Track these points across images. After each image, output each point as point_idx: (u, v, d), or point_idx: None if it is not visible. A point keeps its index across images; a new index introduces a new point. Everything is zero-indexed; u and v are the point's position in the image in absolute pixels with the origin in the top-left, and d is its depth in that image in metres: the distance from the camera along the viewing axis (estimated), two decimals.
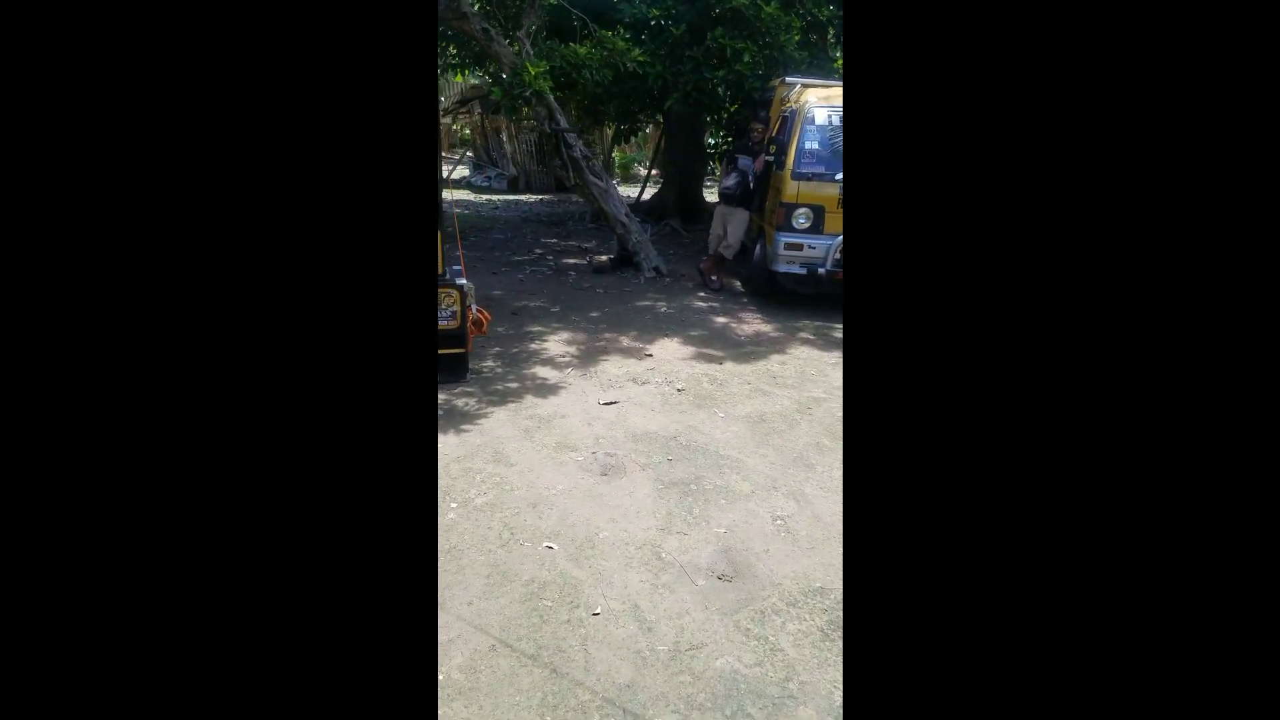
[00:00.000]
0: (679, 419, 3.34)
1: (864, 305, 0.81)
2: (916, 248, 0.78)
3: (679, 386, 3.76)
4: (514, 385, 3.68)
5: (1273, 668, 0.66)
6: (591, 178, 6.29)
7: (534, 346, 4.32)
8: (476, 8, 6.02)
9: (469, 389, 3.62)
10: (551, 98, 5.89)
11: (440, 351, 3.63)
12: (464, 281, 3.58)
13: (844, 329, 0.96)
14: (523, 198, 12.11)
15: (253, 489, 0.74)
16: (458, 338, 3.64)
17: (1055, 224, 0.73)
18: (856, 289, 0.82)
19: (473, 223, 9.03)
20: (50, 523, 0.69)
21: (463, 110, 12.92)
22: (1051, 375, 0.73)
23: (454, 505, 2.53)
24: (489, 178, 13.59)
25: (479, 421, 3.23)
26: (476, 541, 2.31)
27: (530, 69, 5.42)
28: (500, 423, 3.23)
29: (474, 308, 3.68)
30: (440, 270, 3.54)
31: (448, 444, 3.00)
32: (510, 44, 5.90)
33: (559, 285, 5.99)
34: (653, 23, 7.40)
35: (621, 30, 6.86)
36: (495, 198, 12.02)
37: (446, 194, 8.84)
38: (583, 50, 5.86)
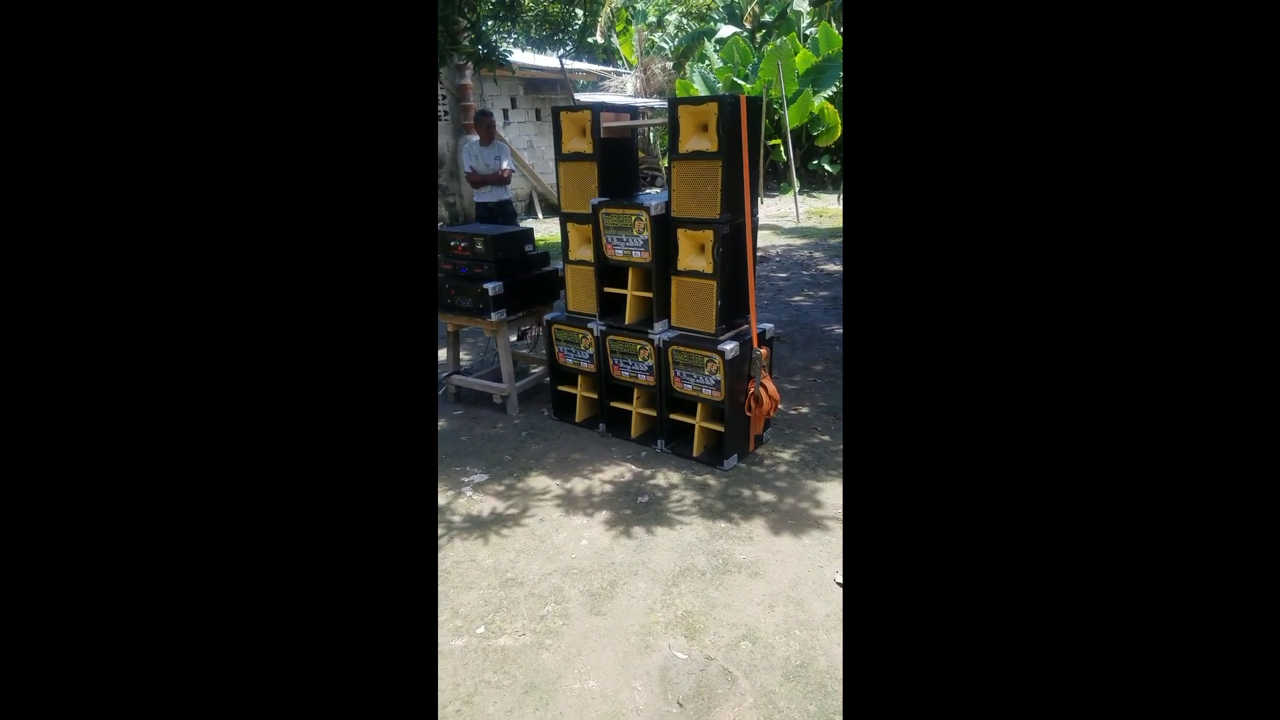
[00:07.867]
0: None
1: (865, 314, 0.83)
2: (915, 250, 0.78)
3: None
4: (746, 494, 2.73)
5: (1272, 668, 0.66)
6: None
7: None
8: None
9: (715, 478, 2.85)
10: None
11: (702, 425, 2.96)
12: (732, 345, 2.80)
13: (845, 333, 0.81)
14: None
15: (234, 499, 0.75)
16: (719, 412, 2.90)
17: (1054, 228, 0.73)
18: (857, 294, 0.84)
19: None
20: (51, 521, 0.70)
21: None
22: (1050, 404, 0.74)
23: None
24: None
25: (661, 527, 2.51)
26: None
27: None
28: (664, 547, 2.43)
29: (755, 380, 2.86)
30: (710, 326, 2.86)
31: (594, 536, 2.44)
32: None
33: None
34: None
35: None
36: None
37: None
38: None
